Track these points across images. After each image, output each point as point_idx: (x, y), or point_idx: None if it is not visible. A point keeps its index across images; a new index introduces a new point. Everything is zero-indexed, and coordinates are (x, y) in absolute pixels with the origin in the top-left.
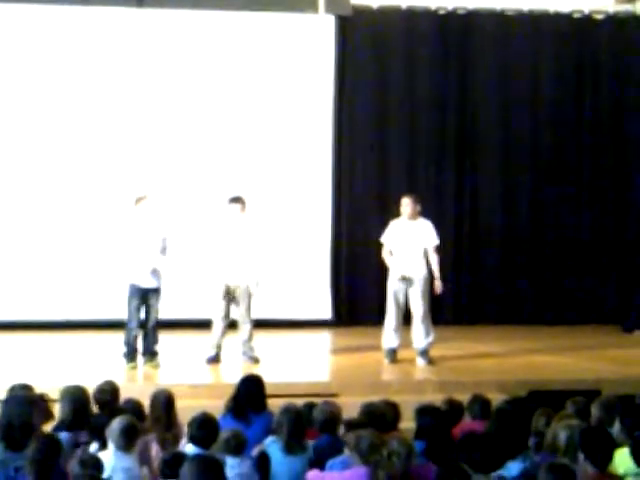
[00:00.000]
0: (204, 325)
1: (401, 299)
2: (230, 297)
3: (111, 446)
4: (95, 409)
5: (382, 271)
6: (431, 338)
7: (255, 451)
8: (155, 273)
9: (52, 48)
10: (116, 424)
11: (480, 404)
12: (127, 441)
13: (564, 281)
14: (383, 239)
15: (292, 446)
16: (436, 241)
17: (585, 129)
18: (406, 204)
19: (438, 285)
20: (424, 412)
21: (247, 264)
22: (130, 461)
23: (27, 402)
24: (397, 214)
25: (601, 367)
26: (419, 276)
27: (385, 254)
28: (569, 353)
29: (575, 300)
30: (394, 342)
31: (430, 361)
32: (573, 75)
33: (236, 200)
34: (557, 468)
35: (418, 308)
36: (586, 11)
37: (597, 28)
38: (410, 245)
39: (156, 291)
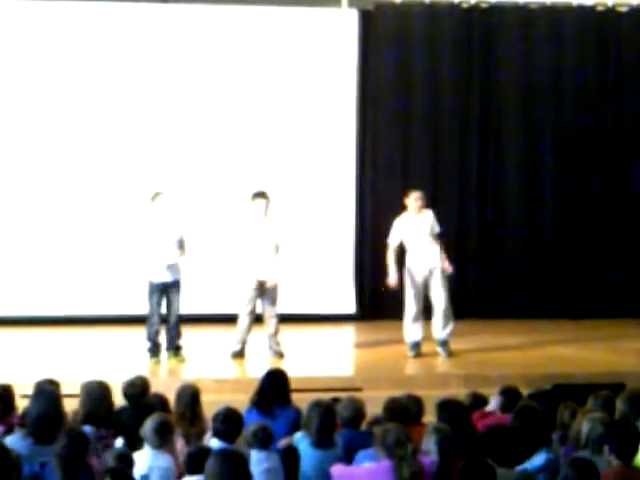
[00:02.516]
0: (228, 320)
1: (419, 292)
2: (259, 293)
3: (146, 445)
4: (123, 403)
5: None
6: (449, 328)
7: (281, 444)
8: (173, 268)
9: (70, 43)
10: (149, 423)
11: (508, 396)
12: (161, 439)
13: (589, 274)
14: (390, 240)
15: (322, 441)
16: (437, 229)
17: (608, 122)
18: (417, 197)
19: (447, 266)
20: (445, 406)
21: (272, 259)
22: (166, 460)
23: (57, 397)
24: None
25: (626, 361)
26: (437, 268)
27: (389, 255)
28: (594, 347)
29: (600, 293)
30: (416, 335)
31: (450, 353)
32: (596, 68)
33: (261, 195)
34: (579, 463)
35: (439, 298)
36: (609, 3)
37: (620, 20)
38: (422, 238)
39: (175, 285)
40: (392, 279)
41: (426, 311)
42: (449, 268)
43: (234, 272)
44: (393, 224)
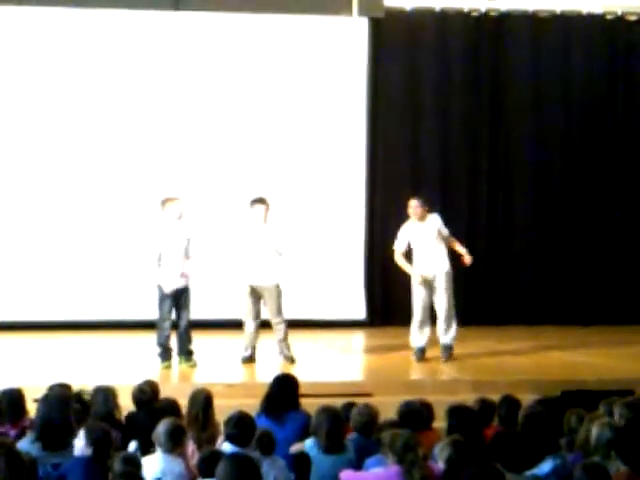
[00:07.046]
0: (239, 325)
1: (426, 298)
2: (257, 297)
3: (158, 449)
4: (133, 408)
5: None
6: (453, 332)
7: (293, 450)
8: (182, 275)
9: (81, 49)
10: (162, 427)
11: (508, 406)
12: (174, 443)
13: (599, 280)
14: (396, 246)
15: (331, 446)
16: (446, 231)
17: (617, 128)
18: (414, 206)
19: (468, 258)
20: (455, 412)
21: (271, 265)
22: (178, 463)
23: (65, 400)
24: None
25: (635, 367)
26: (441, 272)
27: (398, 259)
28: (603, 353)
29: (609, 299)
30: (421, 341)
31: (449, 357)
32: (605, 76)
33: (261, 201)
34: (592, 468)
35: (442, 303)
36: (619, 12)
37: (629, 29)
38: (426, 244)
39: (185, 291)
40: (414, 273)
41: (433, 316)
42: (469, 259)
43: (234, 278)
44: (399, 231)
